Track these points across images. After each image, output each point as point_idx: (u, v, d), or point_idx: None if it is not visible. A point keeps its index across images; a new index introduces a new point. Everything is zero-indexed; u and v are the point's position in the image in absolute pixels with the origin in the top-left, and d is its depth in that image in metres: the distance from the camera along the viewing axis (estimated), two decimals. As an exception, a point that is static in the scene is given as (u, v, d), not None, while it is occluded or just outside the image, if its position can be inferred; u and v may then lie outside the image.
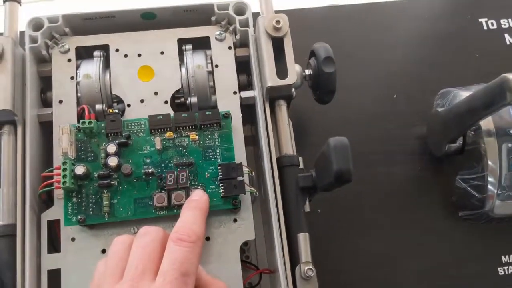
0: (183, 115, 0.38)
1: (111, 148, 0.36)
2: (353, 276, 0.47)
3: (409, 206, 0.50)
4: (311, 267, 0.36)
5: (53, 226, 0.38)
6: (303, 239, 0.37)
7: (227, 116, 0.39)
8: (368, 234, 0.49)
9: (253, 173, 0.39)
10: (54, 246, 0.38)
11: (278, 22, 0.39)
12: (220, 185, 0.37)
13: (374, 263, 0.48)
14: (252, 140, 0.46)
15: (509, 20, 0.57)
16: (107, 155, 0.36)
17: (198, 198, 0.35)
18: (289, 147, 0.40)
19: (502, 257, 0.49)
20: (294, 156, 0.40)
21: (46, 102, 0.41)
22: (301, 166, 0.40)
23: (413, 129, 0.52)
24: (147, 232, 0.32)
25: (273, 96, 0.41)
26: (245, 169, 0.38)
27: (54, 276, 0.36)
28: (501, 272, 0.48)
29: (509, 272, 0.48)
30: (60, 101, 0.40)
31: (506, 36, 0.57)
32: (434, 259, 0.48)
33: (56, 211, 0.37)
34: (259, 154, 0.41)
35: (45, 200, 0.38)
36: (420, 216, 0.50)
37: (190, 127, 0.38)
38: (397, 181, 0.51)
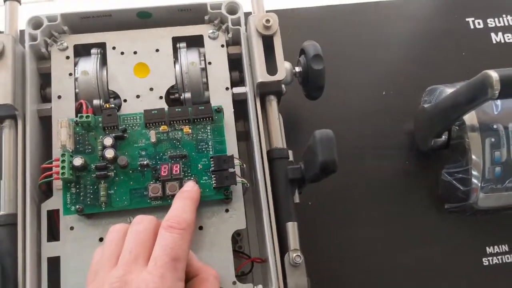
0: (177, 110, 0.40)
1: (108, 141, 0.38)
2: (341, 266, 0.49)
3: (396, 199, 0.52)
4: (299, 254, 0.37)
5: (53, 216, 0.39)
6: (292, 228, 0.38)
7: (219, 110, 0.40)
8: (357, 226, 0.50)
9: (245, 165, 0.40)
10: (54, 235, 0.39)
11: (268, 21, 0.41)
12: (212, 176, 0.38)
13: (362, 254, 0.49)
14: (245, 136, 0.47)
15: (495, 19, 0.59)
16: (104, 147, 0.38)
17: (189, 189, 0.37)
18: (279, 141, 0.42)
19: (487, 248, 0.51)
20: (284, 149, 0.41)
21: (45, 98, 0.43)
22: (291, 159, 0.42)
23: (401, 125, 0.54)
24: (141, 221, 0.34)
25: (264, 91, 0.42)
26: (237, 161, 0.39)
27: (54, 263, 0.38)
28: (485, 263, 0.50)
29: (493, 263, 0.50)
30: (59, 97, 0.41)
31: (492, 35, 0.58)
32: (420, 250, 0.50)
33: (55, 201, 0.39)
34: (251, 147, 0.43)
35: (45, 191, 0.40)
36: (408, 208, 0.51)
37: (184, 121, 0.40)
38: (385, 175, 0.52)
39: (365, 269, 0.49)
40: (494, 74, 0.39)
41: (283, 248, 0.38)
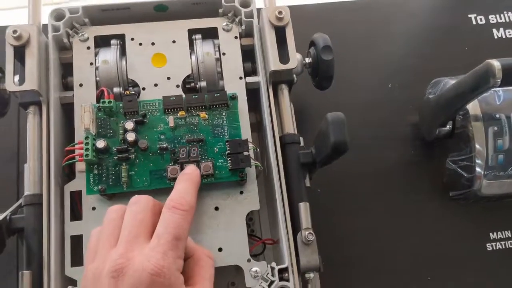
0: (194, 96, 0.42)
1: (129, 125, 0.40)
2: (348, 252, 0.51)
3: (402, 187, 0.53)
4: (311, 232, 0.39)
5: (74, 198, 0.41)
6: (304, 208, 0.40)
7: (234, 97, 0.42)
8: (364, 213, 0.52)
9: (258, 149, 0.42)
10: (76, 215, 0.41)
11: (280, 12, 0.43)
12: (228, 159, 0.40)
13: (369, 240, 0.51)
14: (256, 126, 0.49)
15: (497, 15, 0.61)
16: (125, 131, 0.40)
17: (190, 172, 0.39)
18: (290, 127, 0.44)
19: (490, 234, 0.52)
20: (295, 134, 0.43)
21: (67, 87, 0.45)
22: (302, 144, 0.44)
23: (406, 116, 0.56)
24: (138, 201, 0.35)
25: (276, 80, 0.44)
26: (251, 145, 0.41)
27: (77, 241, 0.40)
28: (489, 248, 0.52)
29: (497, 248, 0.52)
30: (81, 85, 0.43)
31: (494, 30, 0.60)
32: (426, 237, 0.52)
33: (78, 183, 0.41)
34: (263, 134, 0.45)
35: (68, 173, 0.42)
36: (413, 196, 0.53)
37: (200, 107, 0.42)
38: (391, 164, 0.54)
39: (371, 254, 0.51)
40: (496, 63, 0.41)
41: (296, 227, 0.40)
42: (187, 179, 0.38)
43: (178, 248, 0.33)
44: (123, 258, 0.32)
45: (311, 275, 0.39)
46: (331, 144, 0.37)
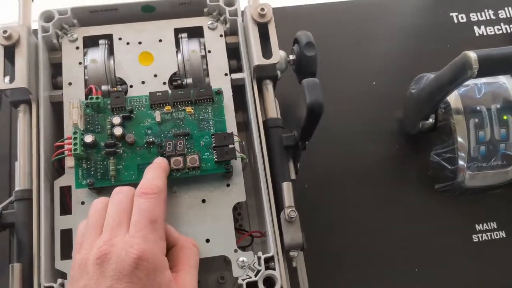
0: (179, 92, 0.43)
1: (116, 119, 0.41)
2: (336, 245, 0.52)
3: (388, 182, 0.54)
4: (293, 209, 0.40)
5: (64, 194, 0.42)
6: (287, 187, 0.41)
7: (219, 92, 0.44)
8: (351, 207, 0.53)
9: (243, 142, 0.43)
10: (65, 210, 0.42)
11: (262, 9, 0.44)
12: (214, 152, 0.41)
13: (356, 233, 0.52)
14: (244, 126, 0.50)
15: (478, 14, 0.62)
16: (113, 125, 0.41)
17: (158, 162, 0.40)
18: (274, 112, 0.45)
19: (476, 225, 0.53)
20: (278, 119, 0.45)
21: (56, 86, 0.46)
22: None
23: (391, 112, 0.57)
24: (120, 191, 0.37)
25: (260, 76, 0.46)
26: (236, 138, 0.42)
27: (66, 235, 0.40)
28: (475, 239, 0.53)
29: (483, 239, 0.53)
30: (70, 83, 0.45)
31: (475, 28, 0.62)
32: (412, 229, 0.52)
33: (67, 179, 0.41)
34: (247, 120, 0.46)
35: (57, 169, 0.42)
36: (399, 190, 0.54)
37: (186, 102, 0.43)
38: (377, 159, 0.55)
39: (359, 247, 0.52)
40: (472, 54, 0.43)
41: (279, 207, 0.41)
42: (155, 167, 0.39)
43: (156, 230, 0.34)
44: (107, 245, 0.33)
45: (295, 253, 0.40)
46: (308, 106, 0.37)
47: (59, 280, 0.38)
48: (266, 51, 0.44)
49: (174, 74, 0.46)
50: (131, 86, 0.45)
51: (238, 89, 0.47)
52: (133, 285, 0.32)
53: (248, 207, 0.49)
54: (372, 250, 0.52)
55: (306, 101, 0.37)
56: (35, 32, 0.46)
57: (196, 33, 0.48)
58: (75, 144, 0.39)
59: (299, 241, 0.40)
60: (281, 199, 0.41)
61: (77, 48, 0.46)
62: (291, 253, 0.40)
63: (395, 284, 0.51)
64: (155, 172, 0.38)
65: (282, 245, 0.40)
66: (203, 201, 0.42)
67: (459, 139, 0.50)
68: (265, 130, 0.43)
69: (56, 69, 0.46)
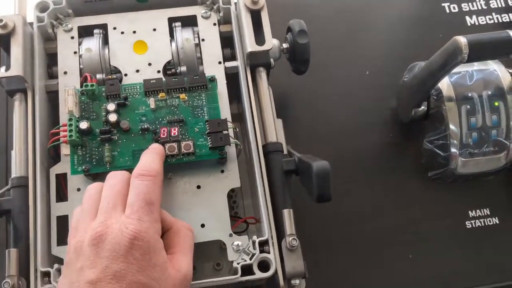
0: (173, 79, 0.43)
1: (111, 106, 0.41)
2: (330, 233, 0.52)
3: (383, 170, 0.55)
4: (295, 237, 0.40)
5: (59, 181, 0.42)
6: (288, 214, 0.41)
7: (212, 79, 0.44)
8: (347, 195, 0.53)
9: (237, 129, 0.44)
10: (61, 197, 0.42)
11: (255, -4, 0.45)
12: (208, 138, 0.42)
13: (349, 221, 0.52)
14: (239, 117, 0.50)
15: (469, 4, 0.63)
16: (107, 112, 0.41)
17: (155, 147, 0.40)
18: (273, 135, 0.45)
19: (469, 212, 0.54)
20: (278, 143, 0.44)
21: (52, 76, 0.47)
22: (285, 152, 0.45)
23: (384, 101, 0.57)
24: (114, 175, 0.37)
25: (254, 63, 0.46)
26: (230, 125, 0.42)
27: (63, 221, 0.41)
28: (468, 226, 0.53)
29: (476, 226, 0.53)
30: (65, 72, 0.45)
31: (467, 18, 0.62)
32: (406, 216, 0.53)
33: (63, 166, 0.42)
34: (242, 111, 0.46)
35: (53, 156, 0.43)
36: (393, 178, 0.54)
37: (180, 89, 0.43)
38: (371, 148, 0.56)
39: (354, 235, 0.52)
40: (463, 39, 0.43)
41: (280, 234, 0.41)
42: (151, 152, 0.40)
43: (152, 212, 0.35)
44: (102, 226, 0.33)
45: (297, 281, 0.40)
46: (316, 196, 0.38)
47: (56, 265, 0.39)
48: (259, 38, 0.45)
49: (168, 62, 0.46)
50: (125, 75, 0.45)
51: (232, 77, 0.47)
52: (129, 265, 0.32)
53: (244, 197, 0.49)
54: (365, 237, 0.52)
55: (314, 192, 0.37)
56: (31, 24, 0.46)
57: (190, 22, 0.48)
58: (70, 131, 0.40)
59: (300, 269, 0.39)
60: (282, 226, 0.41)
61: (72, 38, 0.46)
62: (293, 282, 0.40)
63: (389, 271, 0.51)
64: (152, 156, 0.39)
65: (283, 272, 0.40)
66: (198, 187, 0.42)
67: (451, 126, 0.51)
68: (264, 155, 0.43)
69: (51, 59, 0.47)
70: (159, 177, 0.37)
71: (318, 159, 0.40)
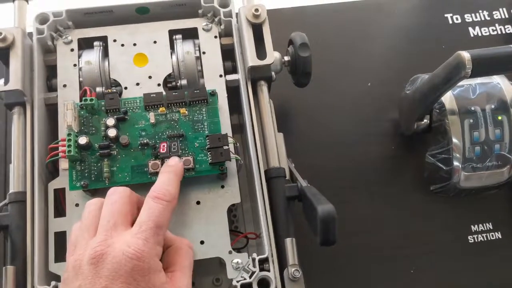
0: (174, 93, 0.43)
1: (110, 121, 0.41)
2: (332, 246, 0.51)
3: (384, 182, 0.54)
4: (297, 268, 0.39)
5: (58, 196, 0.42)
6: (290, 244, 0.40)
7: (213, 93, 0.44)
8: (348, 207, 0.53)
9: (238, 144, 0.43)
10: (60, 212, 0.42)
11: (257, 10, 0.45)
12: (208, 153, 0.41)
13: (351, 234, 0.51)
14: (239, 129, 0.50)
15: (472, 14, 0.63)
16: (107, 127, 0.41)
17: (174, 164, 0.40)
18: (275, 159, 0.44)
19: (472, 226, 0.53)
20: (280, 168, 0.43)
21: (51, 88, 0.46)
22: (287, 177, 0.44)
23: (386, 113, 0.57)
24: (115, 191, 0.37)
25: (255, 77, 0.46)
26: (230, 140, 0.42)
27: (61, 237, 0.40)
28: (471, 240, 0.53)
29: (478, 240, 0.53)
30: (64, 85, 0.45)
31: (470, 29, 0.62)
32: (408, 230, 0.52)
33: (61, 181, 0.41)
34: (243, 123, 0.45)
35: (51, 171, 0.42)
36: (395, 191, 0.54)
37: (181, 104, 0.43)
38: (373, 160, 0.55)
39: (355, 248, 0.51)
40: (466, 54, 0.43)
41: (282, 264, 0.40)
42: (170, 171, 0.39)
43: (158, 235, 0.34)
44: (102, 245, 0.32)
45: None
46: (320, 240, 0.37)
47: (53, 283, 0.38)
48: (261, 52, 0.44)
49: (169, 75, 0.46)
50: (125, 88, 0.45)
51: (233, 91, 0.47)
52: (128, 286, 0.31)
53: (244, 211, 0.49)
54: (367, 251, 0.51)
55: (319, 238, 0.36)
56: (30, 35, 0.46)
57: (190, 34, 0.48)
58: (69, 146, 0.39)
59: None
60: (284, 256, 0.40)
61: (72, 50, 0.46)
62: None
63: (391, 285, 0.51)
64: (170, 178, 0.38)
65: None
66: (198, 202, 0.42)
67: (454, 140, 0.50)
68: (266, 180, 0.42)
69: (51, 71, 0.46)
70: (173, 202, 0.37)
71: (323, 198, 0.39)
